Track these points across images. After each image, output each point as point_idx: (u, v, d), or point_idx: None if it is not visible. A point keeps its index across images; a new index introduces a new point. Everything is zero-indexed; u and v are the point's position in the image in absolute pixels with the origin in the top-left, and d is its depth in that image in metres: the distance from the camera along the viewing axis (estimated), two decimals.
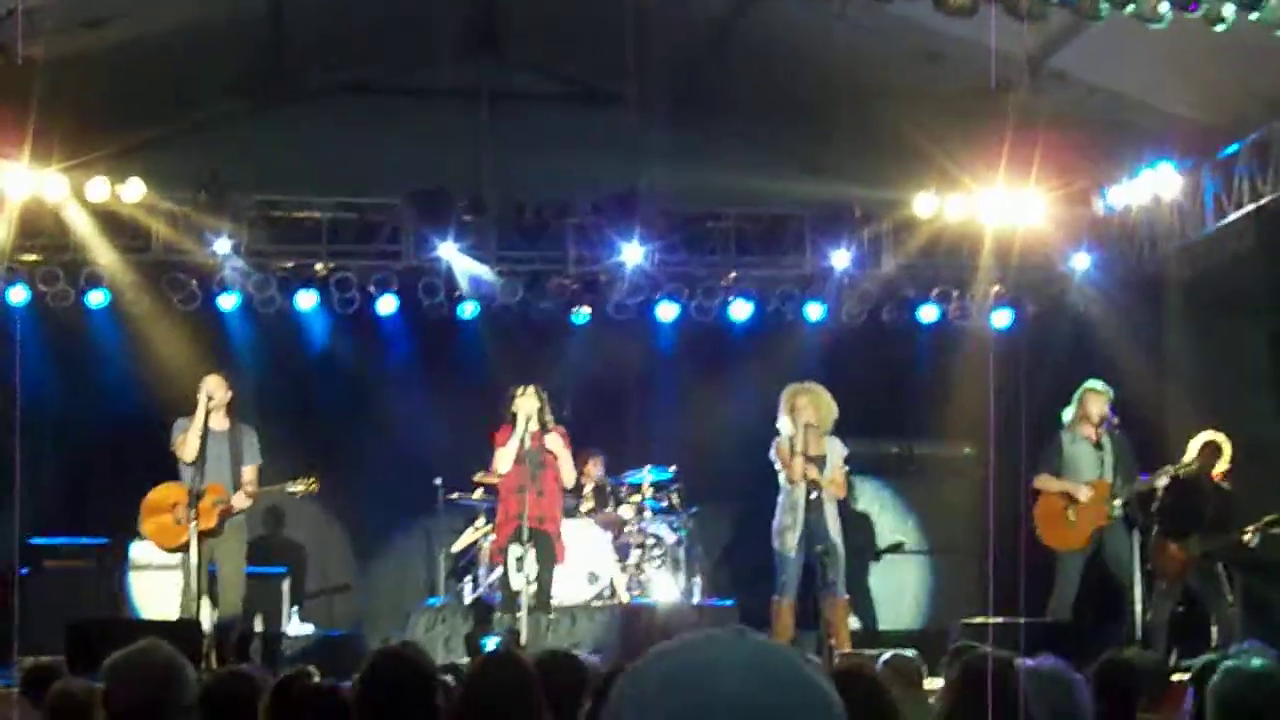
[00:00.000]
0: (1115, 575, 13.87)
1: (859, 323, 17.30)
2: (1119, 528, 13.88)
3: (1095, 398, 13.93)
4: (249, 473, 13.45)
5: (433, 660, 5.86)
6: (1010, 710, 4.78)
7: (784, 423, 13.50)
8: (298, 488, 13.82)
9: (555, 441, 13.50)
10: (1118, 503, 13.84)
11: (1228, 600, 13.67)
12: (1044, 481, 14.03)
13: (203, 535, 13.03)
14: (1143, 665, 8.25)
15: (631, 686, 1.99)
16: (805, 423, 13.32)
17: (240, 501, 13.36)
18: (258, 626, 14.42)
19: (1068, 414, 14.05)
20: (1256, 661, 5.84)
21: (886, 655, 9.11)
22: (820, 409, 13.48)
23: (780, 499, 13.53)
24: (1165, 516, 13.82)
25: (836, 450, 13.66)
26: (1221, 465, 13.77)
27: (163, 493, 13.41)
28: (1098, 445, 13.98)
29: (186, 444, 13.16)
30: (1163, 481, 13.68)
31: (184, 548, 13.11)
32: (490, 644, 12.80)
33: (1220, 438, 13.81)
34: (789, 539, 13.40)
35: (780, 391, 13.79)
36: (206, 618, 12.99)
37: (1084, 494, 13.86)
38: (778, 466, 13.57)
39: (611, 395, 16.89)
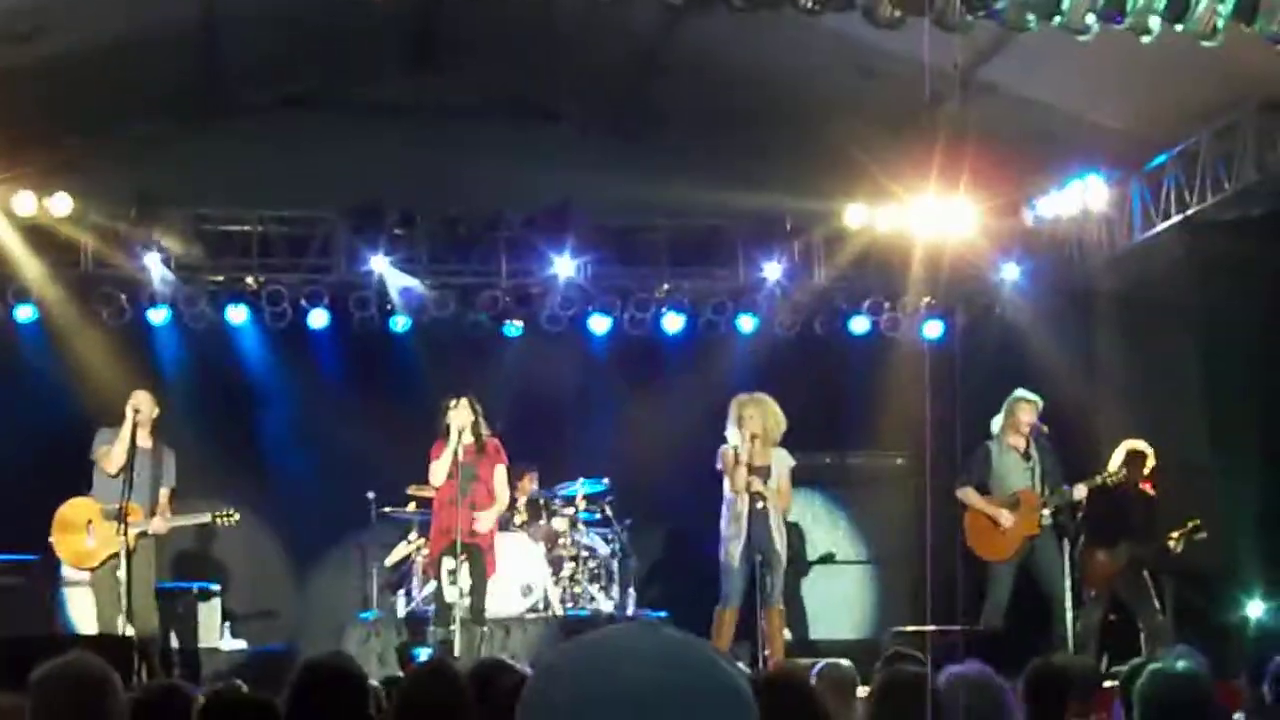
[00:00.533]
0: (1045, 583, 13.94)
1: (791, 334, 17.37)
2: (1048, 537, 13.95)
3: (1025, 407, 14.00)
4: (163, 496, 13.37)
5: (363, 669, 5.84)
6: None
7: (732, 432, 13.49)
8: (217, 519, 13.78)
9: (492, 463, 13.45)
10: (1046, 512, 13.92)
11: (1155, 607, 13.77)
12: (966, 495, 14.08)
13: (115, 554, 12.93)
14: (1073, 670, 8.30)
15: (542, 678, 2.00)
16: (751, 433, 13.32)
17: (158, 526, 13.26)
18: (183, 643, 14.33)
19: (996, 423, 14.11)
20: (1181, 664, 5.90)
21: (820, 664, 9.15)
22: (767, 420, 13.47)
23: (724, 509, 13.51)
24: (1093, 525, 13.92)
25: (784, 461, 13.65)
26: (1145, 472, 13.89)
27: (75, 509, 13.29)
28: (1025, 455, 14.05)
29: (111, 456, 13.05)
30: (1083, 492, 13.76)
31: (98, 567, 13.04)
32: (422, 655, 12.77)
33: (1144, 446, 13.93)
34: (733, 549, 13.38)
35: (718, 402, 13.79)
36: (128, 632, 12.87)
37: (1005, 519, 13.92)
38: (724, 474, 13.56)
39: (545, 408, 16.87)
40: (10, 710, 6.16)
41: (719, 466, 13.53)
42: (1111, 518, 13.81)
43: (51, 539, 13.43)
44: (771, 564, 13.36)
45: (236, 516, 13.83)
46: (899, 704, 4.85)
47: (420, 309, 16.59)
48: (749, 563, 13.33)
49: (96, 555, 13.07)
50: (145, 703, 6.14)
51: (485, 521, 13.39)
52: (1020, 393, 14.11)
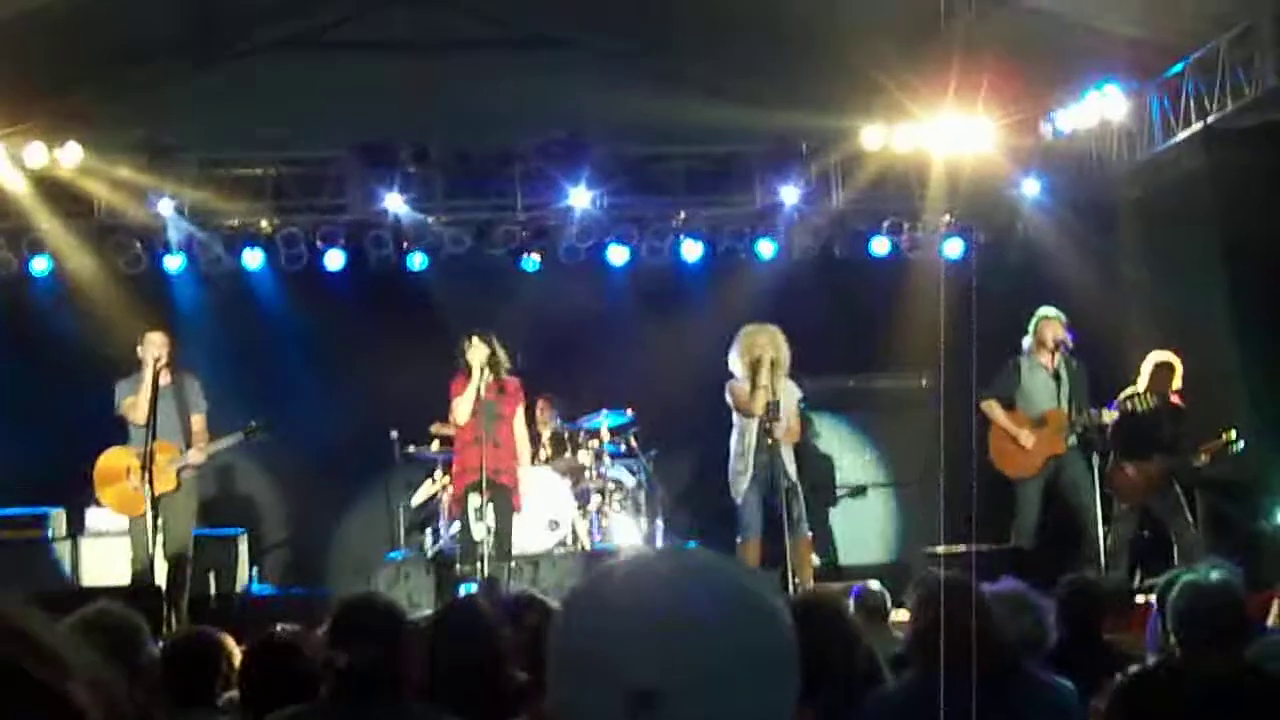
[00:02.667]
0: (1074, 501, 13.89)
1: (811, 258, 17.27)
2: (1075, 455, 13.89)
3: (1050, 324, 13.92)
4: (198, 422, 13.31)
5: (401, 608, 5.81)
6: (979, 626, 4.74)
7: (736, 364, 13.42)
8: (248, 435, 13.67)
9: (514, 401, 13.40)
10: (1073, 438, 13.85)
11: (1188, 520, 13.71)
12: (991, 409, 14.01)
13: (160, 496, 12.90)
14: (1106, 586, 8.26)
15: (573, 606, 1.95)
16: (771, 359, 13.23)
17: (195, 457, 13.24)
18: (211, 589, 14.32)
19: (1027, 341, 14.04)
20: (1215, 575, 5.85)
21: (856, 588, 9.13)
22: (780, 349, 13.40)
23: (732, 444, 13.49)
24: (1122, 440, 13.85)
25: (792, 393, 13.60)
26: (1175, 384, 13.81)
27: (114, 458, 13.27)
28: (1055, 375, 13.97)
29: (137, 406, 13.00)
30: (1110, 418, 13.68)
31: (143, 513, 13.01)
32: (464, 591, 12.74)
33: (1171, 356, 13.85)
34: (740, 484, 13.37)
35: (739, 329, 13.70)
36: (161, 580, 12.86)
37: (1025, 438, 13.86)
38: (733, 406, 13.50)
39: (565, 341, 16.80)
40: None
41: (729, 401, 13.47)
42: (1141, 432, 13.73)
43: (96, 492, 13.41)
44: (792, 493, 13.31)
45: (263, 426, 13.73)
46: (947, 611, 4.78)
47: (437, 245, 16.52)
48: (760, 495, 13.30)
49: (142, 501, 13.00)
50: (177, 650, 6.12)
51: (514, 472, 13.36)
52: (1044, 310, 14.04)
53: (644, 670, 1.83)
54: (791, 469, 13.44)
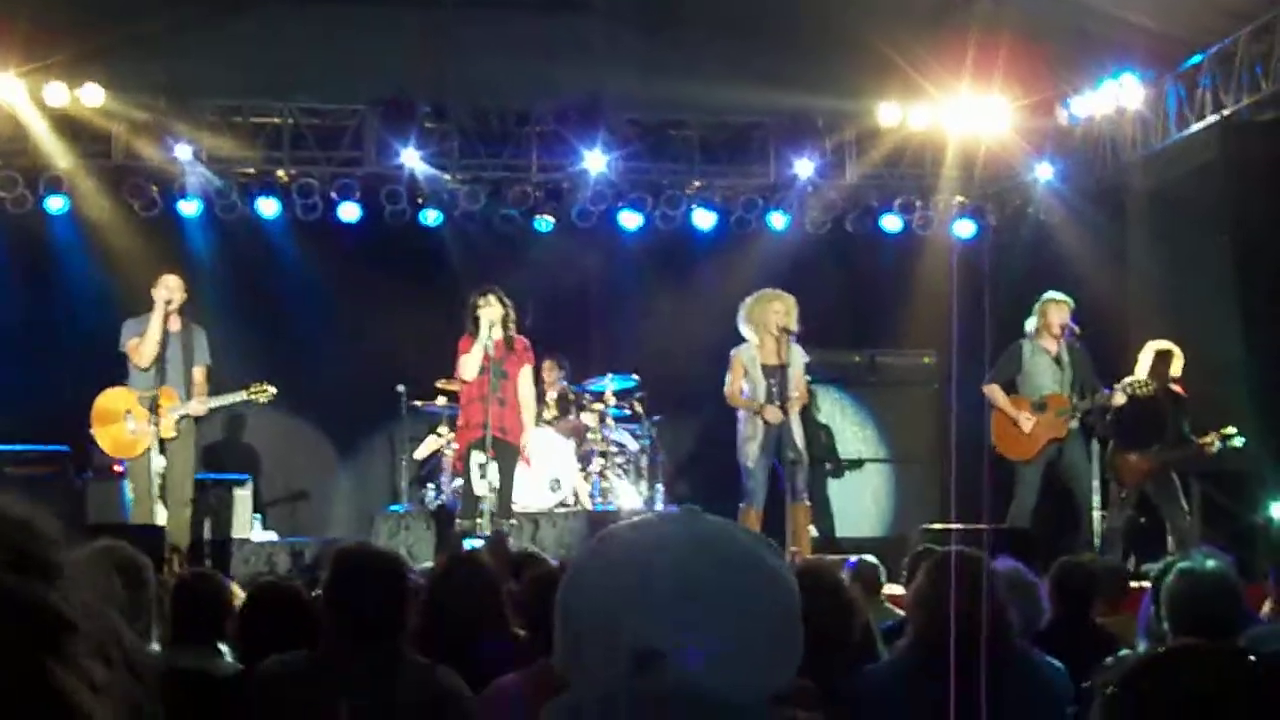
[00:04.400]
0: (1072, 485, 13.95)
1: (823, 232, 17.34)
2: (1075, 440, 13.93)
3: (1056, 307, 13.94)
4: (199, 374, 13.32)
5: (402, 558, 5.88)
6: (978, 599, 4.82)
7: (749, 330, 13.49)
8: (252, 396, 13.70)
9: (520, 361, 13.40)
10: (1074, 424, 13.89)
11: (1184, 508, 13.77)
12: (992, 393, 14.05)
13: (160, 440, 12.98)
14: (1100, 570, 8.33)
15: (580, 570, 1.99)
16: (782, 327, 13.31)
17: (195, 408, 13.24)
18: (207, 533, 14.40)
19: (1030, 324, 14.07)
20: (1209, 563, 5.91)
21: (853, 560, 9.22)
22: (793, 314, 13.48)
23: (745, 396, 13.53)
24: (1124, 427, 13.90)
25: (799, 358, 13.65)
26: (1175, 372, 13.87)
27: (111, 399, 13.28)
28: (1057, 359, 14.00)
29: (143, 350, 13.03)
30: (1120, 399, 13.72)
31: (139, 456, 13.08)
32: (469, 546, 12.81)
33: (1170, 345, 13.90)
34: (751, 449, 13.43)
35: (742, 299, 13.75)
36: (162, 521, 12.94)
37: (1025, 422, 13.90)
38: (734, 385, 13.55)
39: (575, 303, 16.90)
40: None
41: (733, 372, 13.51)
42: (1142, 419, 13.78)
43: (91, 430, 13.47)
44: (794, 461, 13.39)
45: (272, 390, 13.73)
46: (950, 582, 4.86)
47: (451, 203, 16.58)
48: (768, 462, 13.39)
49: (138, 444, 13.08)
50: (183, 589, 6.20)
51: (522, 432, 13.39)
52: (1050, 294, 14.06)
53: (650, 630, 1.89)
54: (799, 439, 13.50)
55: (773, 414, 13.27)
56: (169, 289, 13.09)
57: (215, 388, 13.45)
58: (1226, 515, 13.97)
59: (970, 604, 4.71)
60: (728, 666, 1.91)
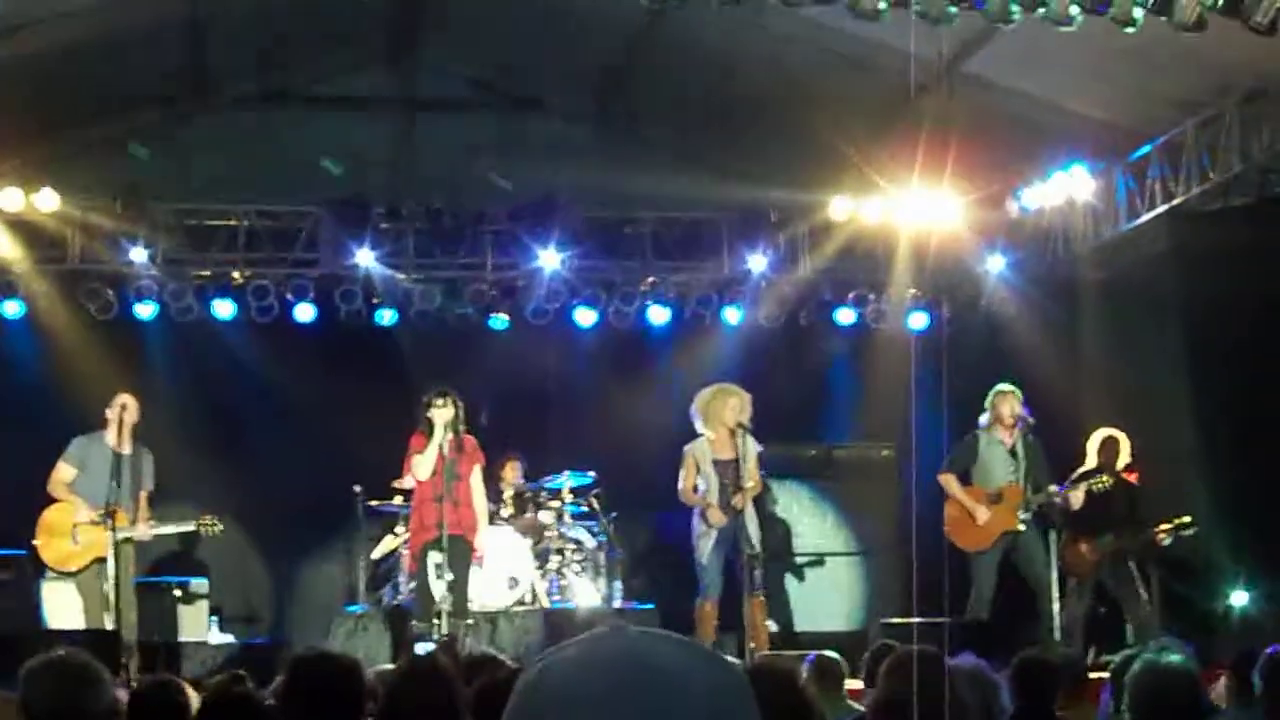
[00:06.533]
0: (1029, 577, 13.98)
1: (777, 326, 17.38)
2: (1031, 530, 13.97)
3: (1005, 398, 14.01)
4: (143, 499, 13.41)
5: (359, 661, 5.85)
6: (939, 701, 4.81)
7: (702, 424, 13.54)
8: (201, 528, 13.77)
9: (470, 461, 13.38)
10: (1025, 515, 13.92)
11: (1142, 597, 13.80)
12: (948, 483, 14.09)
13: (98, 557, 13.00)
14: (1060, 662, 8.33)
15: (529, 692, 1.97)
16: (739, 423, 13.38)
17: (143, 533, 13.35)
18: (170, 636, 14.33)
19: (984, 417, 14.14)
20: (1172, 658, 5.93)
21: (811, 656, 9.18)
22: (747, 409, 13.55)
23: (699, 494, 13.55)
24: (1075, 516, 13.95)
25: (753, 449, 13.67)
26: (1123, 459, 13.95)
27: (60, 512, 13.33)
28: (1012, 451, 14.05)
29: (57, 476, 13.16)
30: (1079, 500, 13.77)
31: (82, 570, 13.07)
32: (425, 649, 12.74)
33: (1117, 433, 14.00)
34: (704, 545, 13.47)
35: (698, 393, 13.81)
36: (112, 626, 12.90)
37: (981, 514, 13.94)
38: (687, 482, 13.60)
39: (531, 400, 16.89)
40: (2, 704, 6.18)
41: (687, 468, 13.57)
42: (1093, 508, 13.85)
43: (36, 542, 13.45)
44: (751, 555, 13.40)
45: (219, 527, 13.82)
46: (908, 683, 4.85)
47: (406, 302, 16.60)
48: (722, 556, 13.42)
49: (81, 557, 13.13)
50: (141, 698, 6.16)
51: (474, 530, 13.35)
52: (1001, 385, 14.14)
53: None
54: (755, 532, 13.52)
55: (716, 516, 13.32)
56: (124, 402, 13.16)
57: (167, 499, 13.51)
58: (1185, 602, 14.01)
59: (929, 704, 4.71)
60: None
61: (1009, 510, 13.90)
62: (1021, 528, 13.90)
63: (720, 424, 13.47)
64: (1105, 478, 13.79)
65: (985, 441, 14.08)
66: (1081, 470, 13.99)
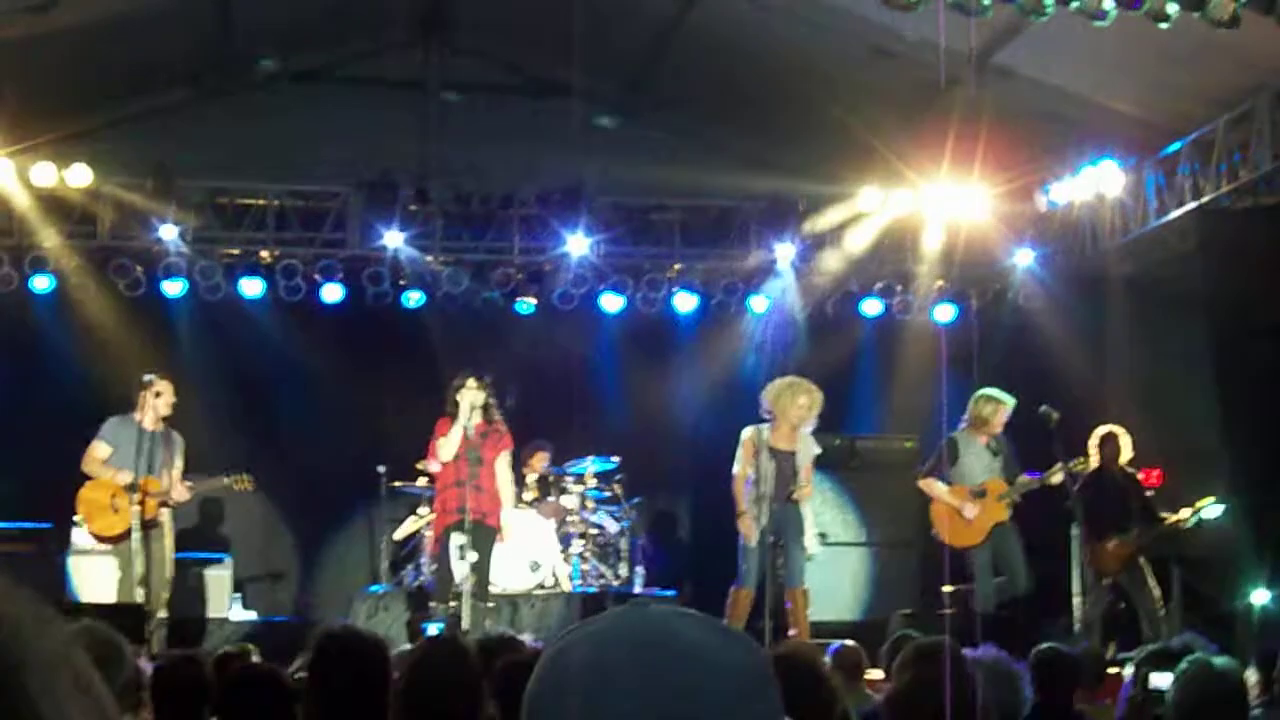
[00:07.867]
0: (1004, 569, 13.89)
1: (803, 315, 17.37)
2: (1010, 525, 13.92)
3: (999, 409, 13.86)
4: (175, 475, 13.45)
5: (383, 640, 5.87)
6: (961, 693, 4.82)
7: (769, 410, 13.37)
8: (232, 483, 13.79)
9: (496, 447, 13.34)
10: (1008, 500, 13.91)
11: (1153, 593, 13.76)
12: (930, 486, 14.03)
13: (143, 525, 13.00)
14: (1080, 656, 8.33)
15: (548, 673, 1.95)
16: (807, 422, 13.33)
17: (179, 495, 13.33)
18: (195, 612, 14.39)
19: (964, 420, 14.04)
20: (1219, 660, 5.92)
21: (834, 645, 9.19)
22: (815, 410, 13.46)
23: (747, 487, 13.40)
24: (1091, 516, 13.89)
25: (811, 448, 13.58)
26: (1124, 456, 13.91)
27: (95, 489, 13.37)
28: (988, 447, 14.00)
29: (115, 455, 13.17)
30: (1058, 478, 13.73)
31: (123, 537, 13.08)
32: (432, 630, 12.77)
33: (1118, 429, 13.95)
34: (753, 530, 13.34)
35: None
36: (143, 600, 12.93)
37: (969, 510, 13.90)
38: (742, 468, 13.47)
39: (556, 385, 16.90)
40: None
41: (745, 453, 13.43)
42: (1108, 505, 13.81)
43: (77, 517, 13.51)
44: (801, 549, 13.34)
45: (249, 479, 13.82)
46: (929, 674, 4.85)
47: (433, 284, 16.63)
48: (768, 545, 13.30)
49: (124, 523, 13.10)
50: (165, 672, 6.19)
51: (496, 515, 13.33)
52: (993, 393, 13.99)
53: None
54: (808, 528, 13.44)
55: (747, 528, 13.19)
56: (162, 387, 13.18)
57: (194, 475, 13.52)
58: (1206, 601, 13.98)
59: (942, 696, 4.71)
60: None
61: (994, 502, 13.86)
62: (1005, 518, 13.90)
63: (785, 420, 13.35)
64: (1082, 459, 13.74)
65: (964, 444, 14.00)
66: (1071, 465, 13.94)
